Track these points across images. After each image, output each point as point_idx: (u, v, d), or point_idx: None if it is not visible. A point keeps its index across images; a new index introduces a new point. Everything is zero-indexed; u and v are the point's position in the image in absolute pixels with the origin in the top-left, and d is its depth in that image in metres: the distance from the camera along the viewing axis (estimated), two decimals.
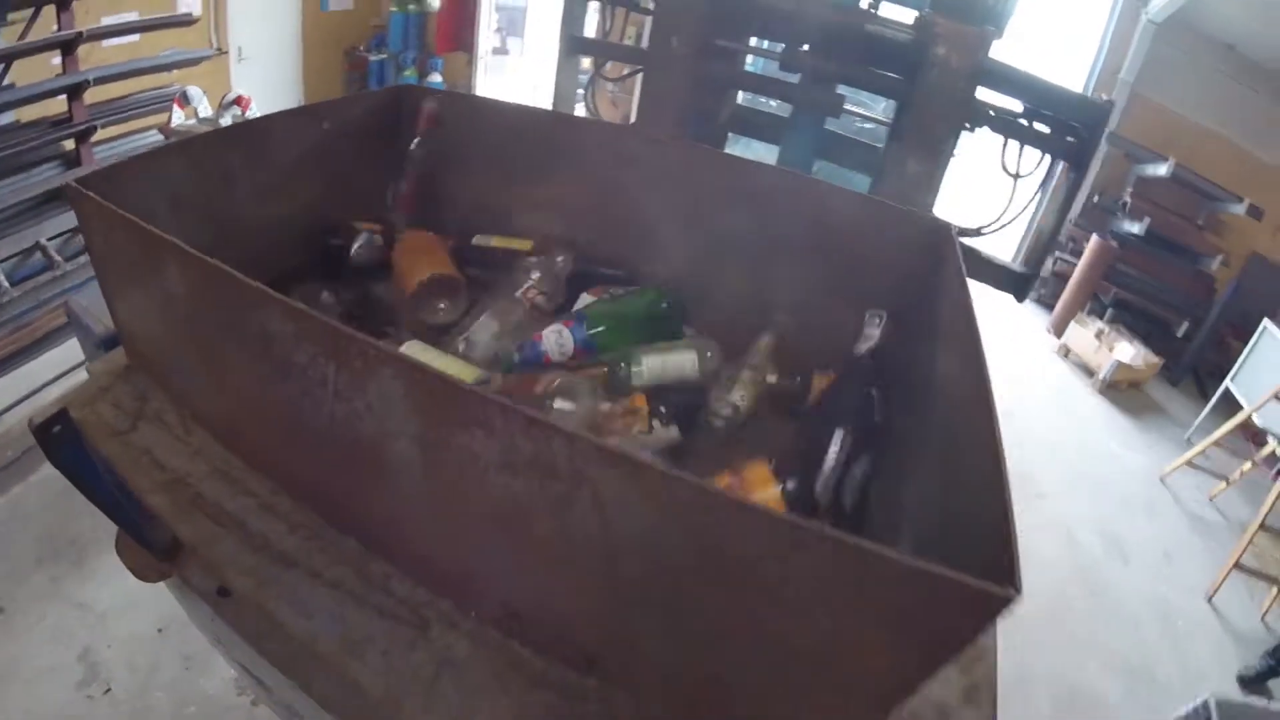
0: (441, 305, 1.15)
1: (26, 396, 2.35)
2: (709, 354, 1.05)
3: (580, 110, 1.97)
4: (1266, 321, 3.44)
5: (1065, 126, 1.63)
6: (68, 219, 2.46)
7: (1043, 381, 4.29)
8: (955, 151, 1.68)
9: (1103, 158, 4.59)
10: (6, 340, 2.32)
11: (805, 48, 1.65)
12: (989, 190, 1.85)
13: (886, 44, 1.60)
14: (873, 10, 1.71)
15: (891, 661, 0.47)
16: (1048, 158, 1.69)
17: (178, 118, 3.52)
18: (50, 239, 2.40)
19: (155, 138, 2.97)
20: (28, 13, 2.63)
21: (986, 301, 2.18)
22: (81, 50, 2.66)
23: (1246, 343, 3.59)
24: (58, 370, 2.34)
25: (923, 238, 1.02)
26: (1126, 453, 3.76)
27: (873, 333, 0.99)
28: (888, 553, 0.42)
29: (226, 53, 4.54)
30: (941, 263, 0.95)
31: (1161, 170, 4.24)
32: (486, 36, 5.88)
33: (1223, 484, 3.39)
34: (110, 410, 0.84)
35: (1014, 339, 4.57)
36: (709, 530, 0.48)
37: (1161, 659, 2.55)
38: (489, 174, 1.30)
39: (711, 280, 1.17)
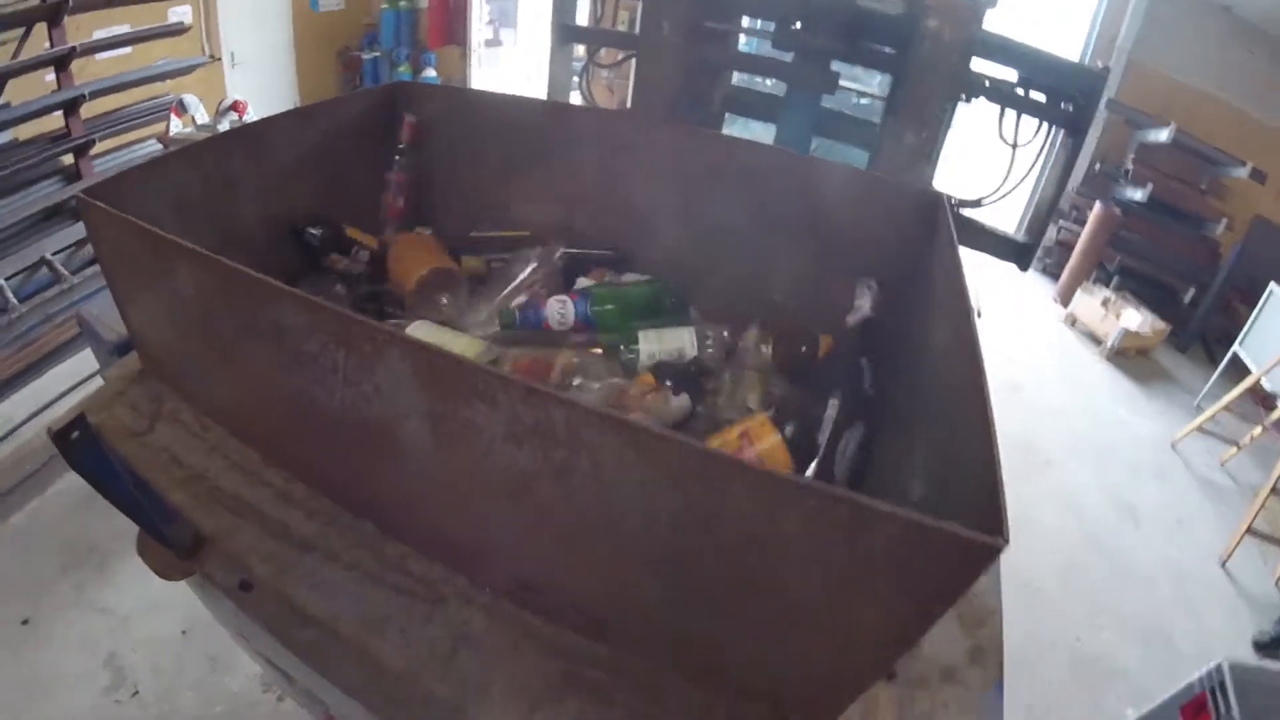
0: (443, 300, 1.16)
1: (39, 411, 2.39)
2: (708, 337, 1.06)
3: (576, 98, 1.97)
4: (1274, 285, 3.42)
5: (1061, 95, 1.62)
6: (71, 233, 2.49)
7: (1050, 351, 4.28)
8: (952, 123, 1.68)
9: (1103, 125, 4.56)
10: (17, 356, 2.35)
11: (797, 25, 1.64)
12: (989, 161, 1.84)
13: (878, 18, 1.60)
14: None
15: (888, 615, 0.48)
16: (1045, 126, 1.68)
17: (176, 126, 3.54)
18: (55, 253, 2.42)
19: (154, 147, 2.99)
20: (19, 32, 2.64)
21: (992, 273, 2.18)
22: (75, 65, 2.68)
23: (1253, 307, 3.57)
24: (69, 383, 2.37)
25: (915, 209, 1.03)
26: (1136, 420, 3.75)
27: (863, 303, 1.00)
28: (878, 505, 0.43)
29: (219, 59, 4.55)
30: (934, 232, 0.95)
31: (1163, 136, 4.21)
32: (479, 29, 5.86)
33: (1233, 449, 3.38)
34: (127, 413, 0.86)
35: (1020, 309, 4.56)
36: (703, 489, 0.49)
37: (1176, 624, 2.56)
38: (485, 167, 1.31)
39: (708, 260, 1.18)
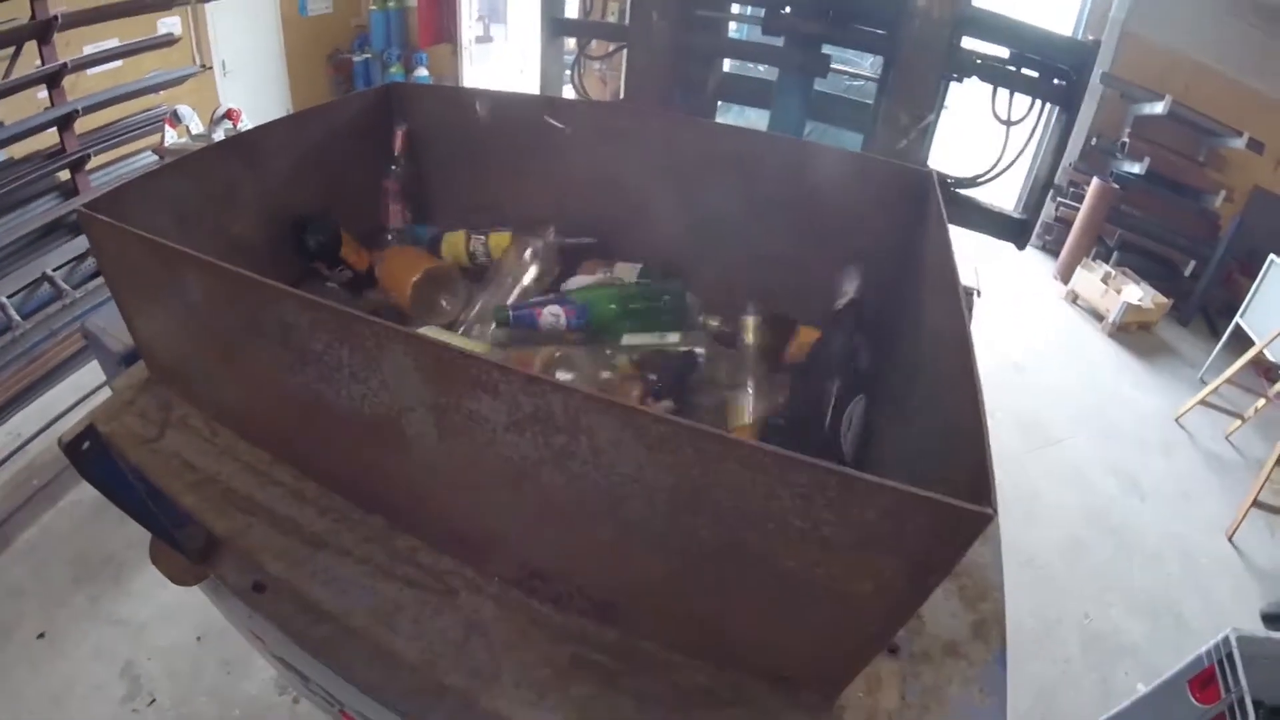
0: (443, 300, 1.17)
1: (47, 425, 2.41)
2: (699, 348, 1.07)
3: (569, 91, 1.97)
4: (1274, 256, 3.41)
5: (1053, 70, 1.62)
6: (70, 248, 2.50)
7: (1052, 328, 4.28)
8: (945, 103, 1.68)
9: (1099, 99, 4.54)
10: (23, 373, 2.36)
11: (786, 10, 1.64)
12: (984, 140, 1.84)
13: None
14: None
15: (886, 587, 0.49)
16: (1038, 103, 1.68)
17: (170, 137, 3.54)
18: (56, 269, 2.44)
19: (150, 159, 2.99)
20: (9, 51, 2.65)
21: (991, 252, 2.18)
22: (67, 81, 2.68)
23: (1254, 278, 3.56)
24: (76, 397, 2.39)
25: (906, 188, 1.04)
26: (1139, 395, 3.75)
27: (849, 287, 1.01)
28: (868, 478, 0.44)
29: (211, 68, 4.55)
30: (925, 211, 0.96)
31: (1158, 108, 4.19)
32: (469, 26, 5.85)
33: (1238, 421, 3.38)
34: (137, 421, 0.87)
35: (1021, 287, 4.55)
36: (698, 468, 0.50)
37: (1184, 598, 2.56)
38: (480, 165, 1.32)
39: (701, 247, 1.19)
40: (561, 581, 0.67)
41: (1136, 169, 4.32)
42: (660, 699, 0.62)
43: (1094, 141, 4.73)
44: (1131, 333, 4.23)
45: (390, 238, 1.30)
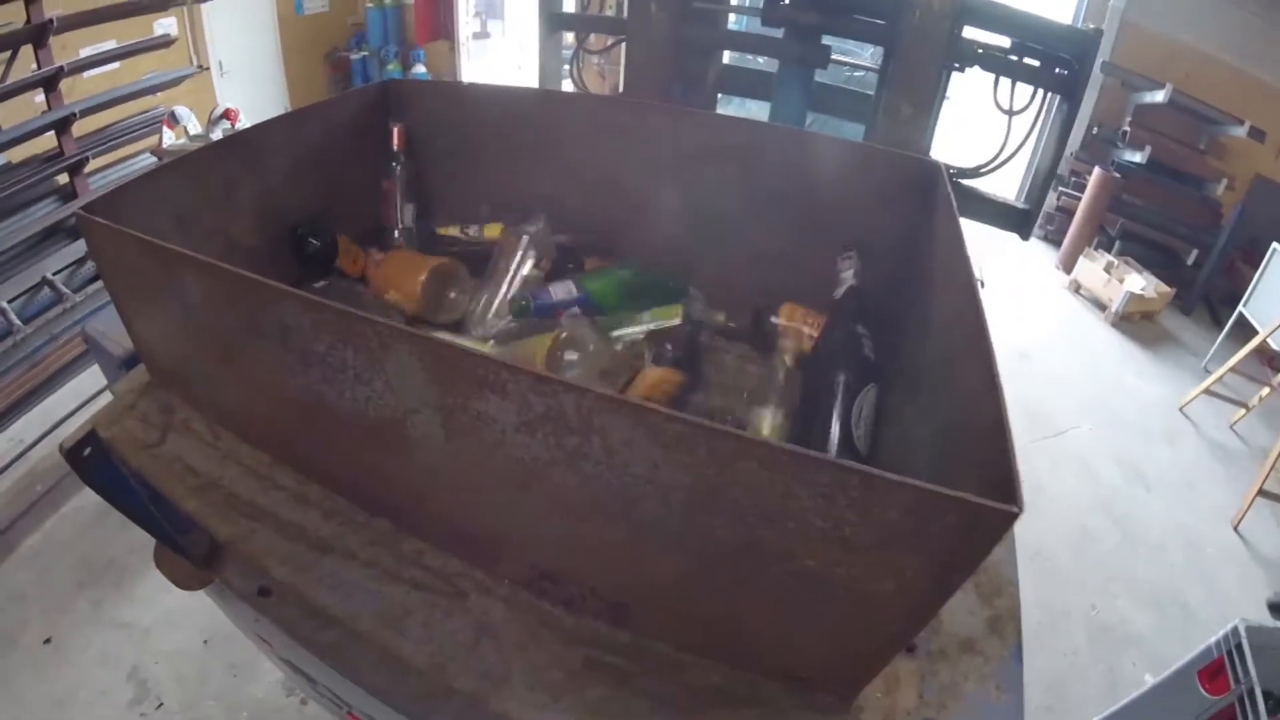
0: (451, 294, 1.16)
1: (50, 430, 2.40)
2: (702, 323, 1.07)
3: (567, 86, 1.95)
4: (1276, 245, 3.40)
5: (1054, 59, 1.61)
6: (70, 252, 2.49)
7: (1055, 318, 4.27)
8: (947, 93, 1.67)
9: (1099, 88, 4.52)
10: (25, 378, 2.36)
11: (786, 1, 1.63)
12: (986, 130, 1.83)
13: None
14: None
15: (907, 586, 0.48)
16: (1040, 92, 1.66)
17: (168, 138, 3.53)
18: (55, 273, 2.43)
19: (149, 161, 2.98)
20: (4, 56, 2.63)
21: (993, 243, 2.17)
22: (64, 84, 2.67)
23: (1256, 267, 3.55)
24: (78, 401, 2.38)
25: (913, 179, 1.02)
26: (1143, 384, 3.74)
27: (847, 274, 1.00)
28: (890, 477, 0.43)
29: (208, 68, 4.54)
30: (933, 202, 0.95)
31: (1159, 97, 4.17)
32: (466, 22, 5.82)
33: (1242, 410, 3.37)
34: (138, 425, 0.86)
35: (1024, 278, 4.54)
36: (714, 467, 0.49)
37: (1190, 589, 2.56)
38: (480, 161, 1.31)
39: (704, 242, 1.18)
40: (573, 583, 0.66)
41: (1138, 158, 4.31)
42: (674, 700, 0.61)
43: (1095, 131, 4.72)
44: (1134, 322, 4.22)
45: (396, 235, 1.29)
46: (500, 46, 6.27)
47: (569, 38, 1.98)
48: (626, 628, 0.66)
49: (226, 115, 4.36)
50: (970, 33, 1.60)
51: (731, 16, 2.03)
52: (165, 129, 3.44)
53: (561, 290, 1.09)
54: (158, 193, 0.88)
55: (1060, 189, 4.91)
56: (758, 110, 1.93)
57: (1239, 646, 1.41)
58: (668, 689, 0.62)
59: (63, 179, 2.69)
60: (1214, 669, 1.49)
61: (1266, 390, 3.22)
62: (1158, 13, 4.39)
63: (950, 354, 0.69)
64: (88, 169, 2.72)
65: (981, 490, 0.41)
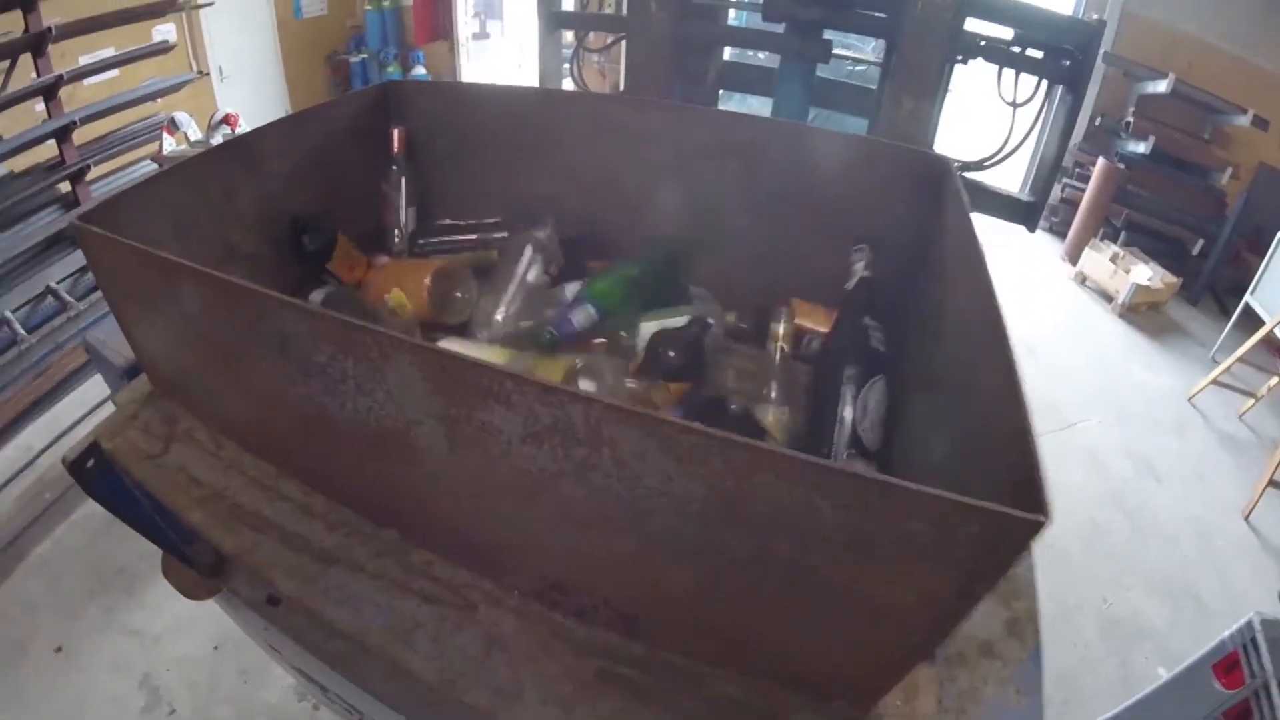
0: (458, 294, 1.15)
1: (58, 438, 2.40)
2: (709, 318, 1.06)
3: (568, 85, 1.94)
4: None
5: (1058, 50, 1.59)
6: (73, 260, 2.49)
7: (1061, 310, 4.25)
8: (949, 86, 1.65)
9: (1101, 78, 4.49)
10: (31, 387, 2.36)
11: None
12: (989, 123, 1.81)
13: None
14: None
15: (930, 597, 0.47)
16: (1044, 84, 1.65)
17: (169, 145, 3.53)
18: (59, 281, 2.43)
19: (150, 167, 2.98)
20: (3, 65, 2.63)
21: (998, 235, 2.16)
22: (64, 93, 2.67)
23: (1262, 256, 3.53)
24: (84, 409, 2.38)
25: (920, 173, 1.01)
26: (1151, 376, 3.72)
27: (858, 267, 0.99)
28: (912, 487, 0.42)
29: (208, 74, 4.53)
30: (942, 196, 0.93)
31: (1161, 87, 4.15)
32: (465, 23, 5.82)
33: (1251, 400, 3.34)
34: (140, 436, 0.85)
35: (1029, 269, 4.52)
36: (731, 479, 0.48)
37: (1202, 581, 2.54)
38: (481, 161, 1.30)
39: (710, 239, 1.17)
40: (584, 594, 0.65)
41: (1141, 148, 4.28)
42: (690, 712, 0.60)
43: (1098, 121, 4.69)
44: (1141, 313, 4.19)
45: (396, 239, 1.28)
46: (500, 46, 6.27)
47: (568, 36, 1.96)
48: (640, 638, 0.65)
49: (226, 120, 4.35)
50: (973, 25, 1.58)
51: (732, 12, 2.02)
52: (165, 135, 3.43)
53: (582, 315, 1.06)
54: (156, 200, 0.87)
55: (1064, 180, 4.88)
56: (759, 106, 1.91)
57: (1254, 640, 1.40)
58: (683, 700, 0.61)
59: (65, 187, 2.69)
60: (1228, 663, 1.48)
61: (1275, 380, 3.20)
62: (1158, 2, 4.36)
63: (967, 354, 0.67)
64: (89, 177, 2.72)
65: (1005, 497, 0.40)
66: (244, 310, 0.66)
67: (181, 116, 3.92)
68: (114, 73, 3.18)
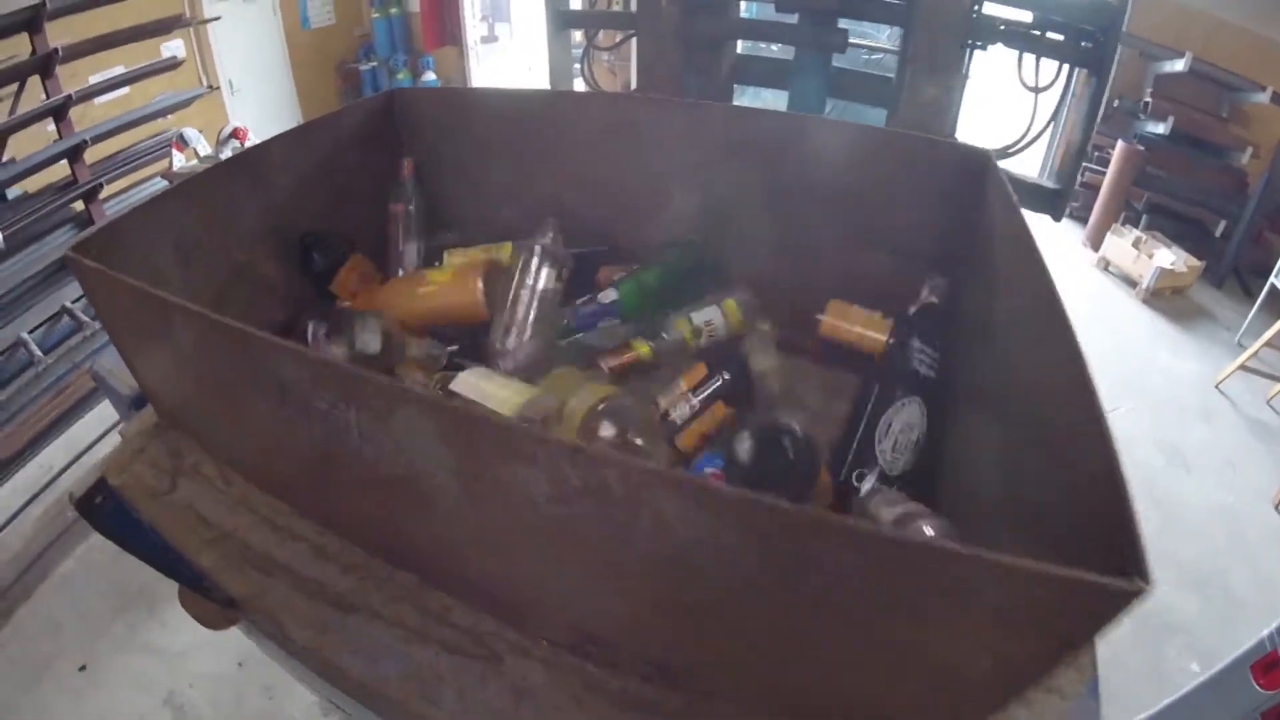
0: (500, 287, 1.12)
1: (77, 457, 2.41)
2: (741, 306, 1.03)
3: (579, 85, 1.91)
4: None
5: (1079, 32, 1.54)
6: None
7: (1085, 296, 4.15)
8: (969, 72, 1.60)
9: (1117, 59, 4.39)
10: (49, 406, 2.36)
11: None
12: (1009, 109, 1.76)
13: None
14: None
15: (1005, 662, 0.42)
16: (1065, 67, 1.60)
17: (178, 161, 3.53)
18: (74, 301, 2.43)
19: (161, 185, 2.98)
20: (13, 87, 2.64)
21: None
22: (74, 112, 2.68)
23: None
24: (103, 427, 2.39)
25: (956, 168, 0.95)
26: (1177, 361, 3.63)
27: (925, 292, 0.94)
28: (987, 556, 0.37)
29: (218, 88, 4.53)
30: (983, 193, 0.88)
31: (1179, 66, 4.06)
32: (473, 26, 5.81)
33: (1278, 386, 3.25)
34: (148, 471, 0.83)
35: (1051, 256, 4.42)
36: (789, 548, 0.44)
37: (1233, 571, 2.47)
38: (487, 166, 1.27)
39: (728, 241, 1.12)
40: (619, 649, 0.61)
41: (1160, 129, 4.19)
42: None
43: (1116, 103, 4.59)
44: (1165, 298, 4.10)
45: (400, 250, 1.25)
46: (509, 49, 6.25)
47: (578, 36, 1.93)
48: (679, 689, 0.60)
49: (235, 135, 4.35)
50: (990, 10, 1.54)
51: (743, 4, 1.97)
52: (175, 152, 3.43)
53: (606, 300, 1.03)
54: (158, 222, 0.83)
55: (1084, 164, 4.78)
56: (774, 100, 1.86)
57: None
58: None
59: (78, 206, 2.69)
60: (1268, 662, 1.43)
61: None
62: None
63: (1027, 373, 0.62)
64: (102, 195, 2.72)
65: (1090, 554, 0.35)
66: (238, 352, 0.62)
67: (190, 132, 3.92)
68: (124, 90, 3.19)
